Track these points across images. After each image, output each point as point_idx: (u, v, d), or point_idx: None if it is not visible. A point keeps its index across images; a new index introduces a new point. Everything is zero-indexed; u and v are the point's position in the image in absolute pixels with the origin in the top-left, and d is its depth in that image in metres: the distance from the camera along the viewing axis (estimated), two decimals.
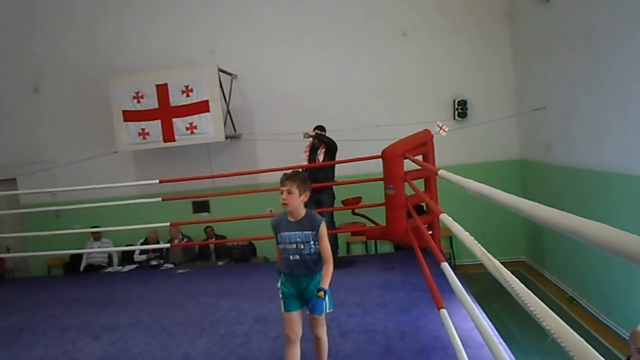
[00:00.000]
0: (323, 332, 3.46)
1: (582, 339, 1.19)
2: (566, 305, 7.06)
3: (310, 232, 3.31)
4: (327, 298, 3.31)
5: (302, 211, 3.36)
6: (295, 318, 3.42)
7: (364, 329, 4.44)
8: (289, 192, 3.26)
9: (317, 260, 3.35)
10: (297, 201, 3.29)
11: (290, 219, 3.36)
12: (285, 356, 3.45)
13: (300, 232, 3.32)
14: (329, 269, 3.31)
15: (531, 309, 1.41)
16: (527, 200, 1.41)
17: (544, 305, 1.41)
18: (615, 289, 6.09)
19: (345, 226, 7.55)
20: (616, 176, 5.93)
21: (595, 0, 6.22)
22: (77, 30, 10.08)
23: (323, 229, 3.31)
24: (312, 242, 3.31)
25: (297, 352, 3.44)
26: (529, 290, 1.55)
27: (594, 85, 6.36)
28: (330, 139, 6.74)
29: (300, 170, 3.59)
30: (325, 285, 3.27)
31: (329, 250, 3.33)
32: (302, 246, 3.32)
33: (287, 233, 3.35)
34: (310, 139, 6.82)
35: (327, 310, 3.37)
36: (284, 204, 3.30)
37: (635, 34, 5.40)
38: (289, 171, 3.46)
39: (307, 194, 3.34)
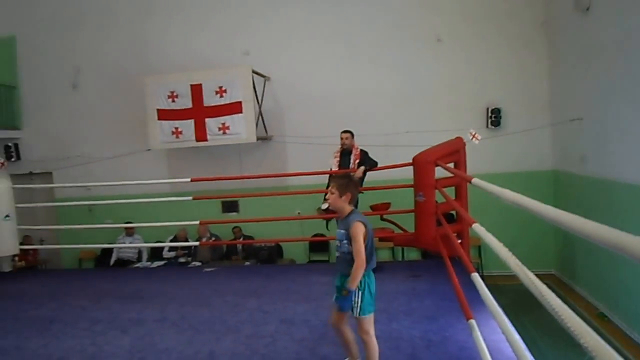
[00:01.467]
0: (366, 336, 3.43)
1: (621, 359, 1.16)
2: (596, 321, 6.89)
3: (344, 231, 3.41)
4: (358, 300, 3.36)
5: (346, 211, 3.49)
6: (335, 309, 3.55)
7: (389, 336, 4.39)
8: (331, 193, 3.50)
9: (350, 261, 3.34)
10: (338, 201, 3.48)
11: (341, 217, 3.55)
12: None
13: (339, 231, 3.48)
14: (355, 269, 3.28)
15: (568, 325, 1.38)
16: (568, 213, 1.38)
17: (582, 322, 1.38)
18: None
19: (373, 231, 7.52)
20: None
21: (636, 10, 6.07)
22: (117, 29, 10.31)
23: (354, 229, 3.32)
24: (345, 241, 3.40)
25: (340, 336, 3.63)
26: (565, 306, 1.52)
27: (633, 97, 6.20)
28: (374, 161, 6.75)
29: (349, 174, 3.87)
30: (352, 285, 3.28)
31: (359, 250, 3.29)
32: (339, 244, 3.48)
33: (337, 230, 3.55)
34: (340, 146, 6.83)
35: (358, 315, 3.37)
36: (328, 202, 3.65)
37: None
38: None
39: (348, 194, 3.46)
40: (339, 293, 3.42)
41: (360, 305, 3.37)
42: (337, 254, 3.55)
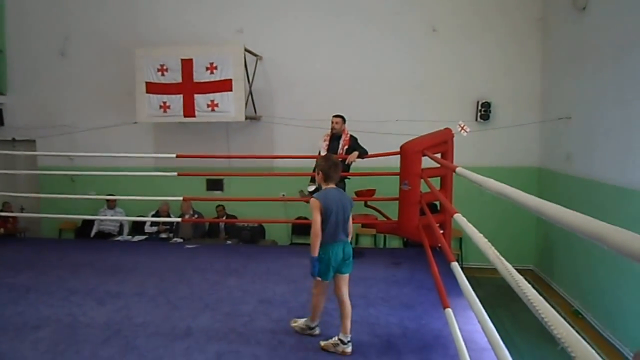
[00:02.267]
0: (313, 294, 4.02)
1: (592, 350, 1.17)
2: (571, 318, 6.99)
3: None
4: (314, 265, 3.78)
5: (323, 187, 3.97)
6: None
7: (366, 322, 4.43)
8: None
9: None
10: (317, 178, 4.02)
11: None
12: None
13: None
14: (310, 239, 3.77)
15: (542, 315, 1.39)
16: (550, 203, 1.38)
17: (556, 313, 1.39)
18: (623, 307, 6.02)
19: (356, 217, 7.54)
20: (637, 193, 5.83)
21: (633, 13, 6.09)
22: None
23: (310, 204, 3.82)
24: None
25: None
26: (540, 297, 1.53)
27: (623, 99, 6.24)
28: (364, 149, 6.72)
29: (329, 155, 4.34)
30: (311, 252, 3.76)
31: (313, 222, 3.76)
32: None
33: None
34: (330, 129, 6.80)
35: (313, 275, 3.84)
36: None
37: None
38: None
39: (320, 173, 3.95)
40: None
41: (315, 269, 3.80)
42: None
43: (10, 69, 10.52)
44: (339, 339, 3.84)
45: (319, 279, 3.82)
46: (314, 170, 6.80)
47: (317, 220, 3.72)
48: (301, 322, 4.16)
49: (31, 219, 10.20)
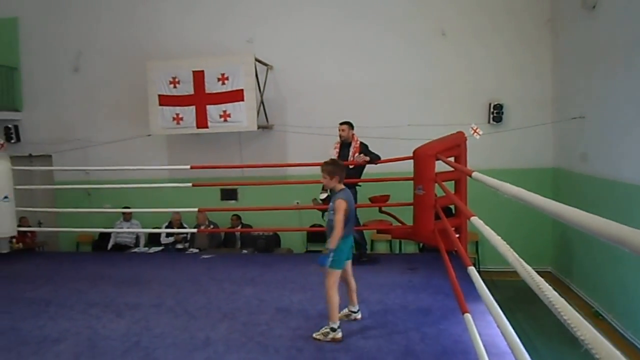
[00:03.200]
0: (328, 289, 4.11)
1: (617, 351, 1.16)
2: (591, 319, 6.89)
3: (332, 203, 4.24)
4: (330, 255, 4.07)
5: (337, 189, 4.33)
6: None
7: (384, 328, 4.41)
8: (324, 177, 4.36)
9: (332, 228, 4.12)
10: (330, 182, 4.34)
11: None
12: None
13: (331, 203, 4.31)
14: (334, 235, 4.06)
15: (565, 317, 1.38)
16: (568, 207, 1.37)
17: (578, 315, 1.38)
18: None
19: (371, 224, 7.53)
20: None
21: None
22: (118, 13, 10.24)
23: (337, 204, 4.14)
24: (331, 212, 4.23)
25: (345, 285, 4.48)
26: (562, 299, 1.52)
27: (636, 97, 6.18)
28: (376, 155, 6.72)
29: (334, 159, 4.64)
30: (331, 245, 4.06)
31: (339, 220, 4.06)
32: (329, 214, 4.35)
33: (330, 203, 4.36)
34: (338, 137, 6.79)
35: (327, 265, 4.10)
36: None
37: None
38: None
39: (336, 177, 4.30)
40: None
41: (331, 260, 4.08)
42: (326, 220, 4.51)
43: (25, 86, 10.69)
44: (330, 327, 4.12)
45: (332, 269, 4.10)
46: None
47: (341, 219, 4.08)
48: (322, 329, 4.16)
49: (49, 233, 10.31)
